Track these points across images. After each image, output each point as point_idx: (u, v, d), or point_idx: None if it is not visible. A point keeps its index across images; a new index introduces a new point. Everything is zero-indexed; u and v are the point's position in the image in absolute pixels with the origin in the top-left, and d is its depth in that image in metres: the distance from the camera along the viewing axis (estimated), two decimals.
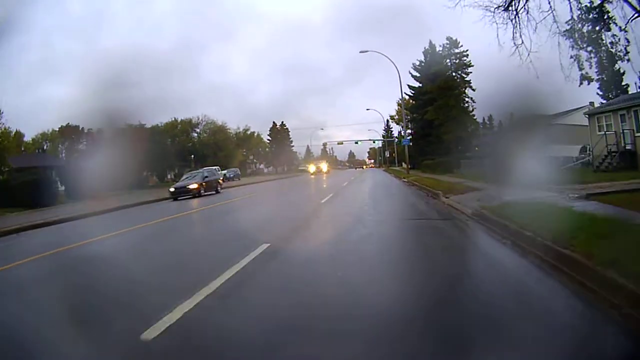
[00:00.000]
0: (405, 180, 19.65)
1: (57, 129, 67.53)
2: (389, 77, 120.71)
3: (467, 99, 30.43)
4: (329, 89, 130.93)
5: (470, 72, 31.62)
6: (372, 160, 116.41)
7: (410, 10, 76.82)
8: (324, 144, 76.16)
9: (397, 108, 59.40)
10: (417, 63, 39.67)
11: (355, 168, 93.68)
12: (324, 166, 43.41)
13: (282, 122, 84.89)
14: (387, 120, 73.22)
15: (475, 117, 28.98)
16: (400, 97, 27.60)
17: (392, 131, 79.81)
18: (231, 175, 41.34)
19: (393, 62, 27.16)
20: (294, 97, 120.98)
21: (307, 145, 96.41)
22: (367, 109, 77.71)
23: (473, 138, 28.83)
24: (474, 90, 30.52)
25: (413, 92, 38.78)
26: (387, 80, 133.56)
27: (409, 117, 51.12)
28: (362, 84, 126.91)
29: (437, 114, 29.61)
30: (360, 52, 27.70)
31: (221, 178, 23.46)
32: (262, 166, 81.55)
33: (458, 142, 28.43)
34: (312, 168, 42.78)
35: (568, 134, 29.74)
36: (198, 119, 68.76)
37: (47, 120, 76.98)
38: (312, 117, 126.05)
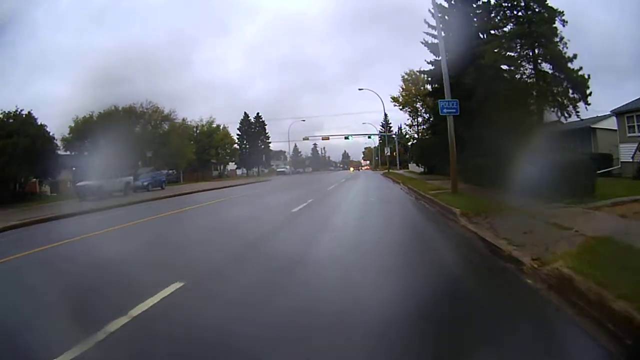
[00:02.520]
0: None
1: None
2: (385, 76, 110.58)
3: (556, 39, 14.93)
4: (326, 87, 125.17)
5: None
6: (368, 162, 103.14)
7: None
8: (309, 140, 60.86)
9: (401, 85, 41.74)
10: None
11: (352, 170, 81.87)
12: None
13: (258, 113, 69.65)
14: (385, 115, 58.79)
15: (579, 72, 13.89)
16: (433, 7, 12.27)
17: (390, 126, 65.77)
18: (144, 184, 25.89)
19: None
20: (287, 94, 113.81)
21: (295, 144, 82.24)
22: (360, 89, 59.19)
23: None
24: (565, 24, 15.32)
25: (431, 50, 23.36)
26: (383, 79, 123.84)
27: (420, 97, 36.04)
28: (359, 83, 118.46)
29: (500, 56, 13.84)
30: None
31: None
32: (231, 166, 65.62)
33: (545, 122, 13.64)
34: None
35: None
36: (141, 106, 53.25)
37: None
38: (305, 115, 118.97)
